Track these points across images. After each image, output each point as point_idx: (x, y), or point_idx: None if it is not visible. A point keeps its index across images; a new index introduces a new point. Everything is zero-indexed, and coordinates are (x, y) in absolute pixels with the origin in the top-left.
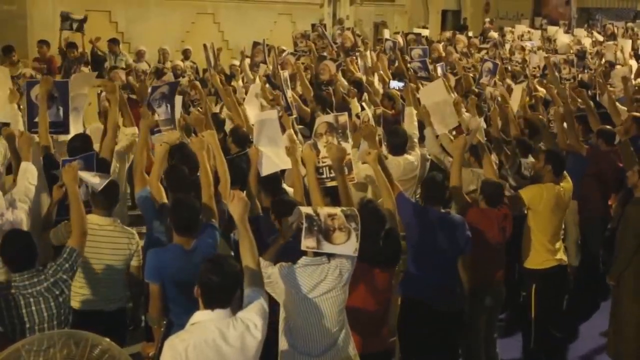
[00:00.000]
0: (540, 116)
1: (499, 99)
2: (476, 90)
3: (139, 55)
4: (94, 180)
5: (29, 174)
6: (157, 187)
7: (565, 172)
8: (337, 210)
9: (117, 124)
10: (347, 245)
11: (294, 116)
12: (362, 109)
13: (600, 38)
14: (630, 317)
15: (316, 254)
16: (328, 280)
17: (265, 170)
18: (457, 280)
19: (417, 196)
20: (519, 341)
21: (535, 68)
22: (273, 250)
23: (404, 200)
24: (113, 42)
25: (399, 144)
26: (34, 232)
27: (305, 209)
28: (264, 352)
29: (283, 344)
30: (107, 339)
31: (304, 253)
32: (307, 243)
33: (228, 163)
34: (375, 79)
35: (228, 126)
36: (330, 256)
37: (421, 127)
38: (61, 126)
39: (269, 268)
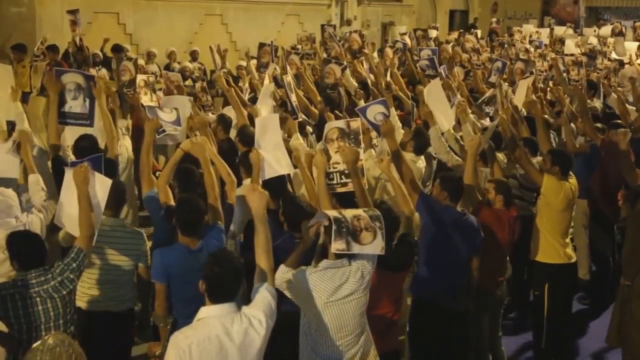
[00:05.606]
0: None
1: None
2: (484, 87)
3: (149, 57)
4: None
5: (39, 186)
6: (164, 190)
7: (570, 171)
8: (360, 212)
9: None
10: (375, 244)
11: (299, 119)
12: None
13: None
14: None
15: (338, 257)
16: (350, 282)
17: (266, 175)
18: (465, 280)
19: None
20: (526, 340)
21: (544, 71)
22: (295, 257)
23: (427, 199)
24: (116, 49)
25: (423, 144)
26: (42, 234)
27: (332, 212)
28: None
29: (304, 348)
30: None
31: (311, 259)
32: (337, 245)
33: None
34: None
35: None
36: (351, 258)
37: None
38: (86, 119)
39: (290, 273)
